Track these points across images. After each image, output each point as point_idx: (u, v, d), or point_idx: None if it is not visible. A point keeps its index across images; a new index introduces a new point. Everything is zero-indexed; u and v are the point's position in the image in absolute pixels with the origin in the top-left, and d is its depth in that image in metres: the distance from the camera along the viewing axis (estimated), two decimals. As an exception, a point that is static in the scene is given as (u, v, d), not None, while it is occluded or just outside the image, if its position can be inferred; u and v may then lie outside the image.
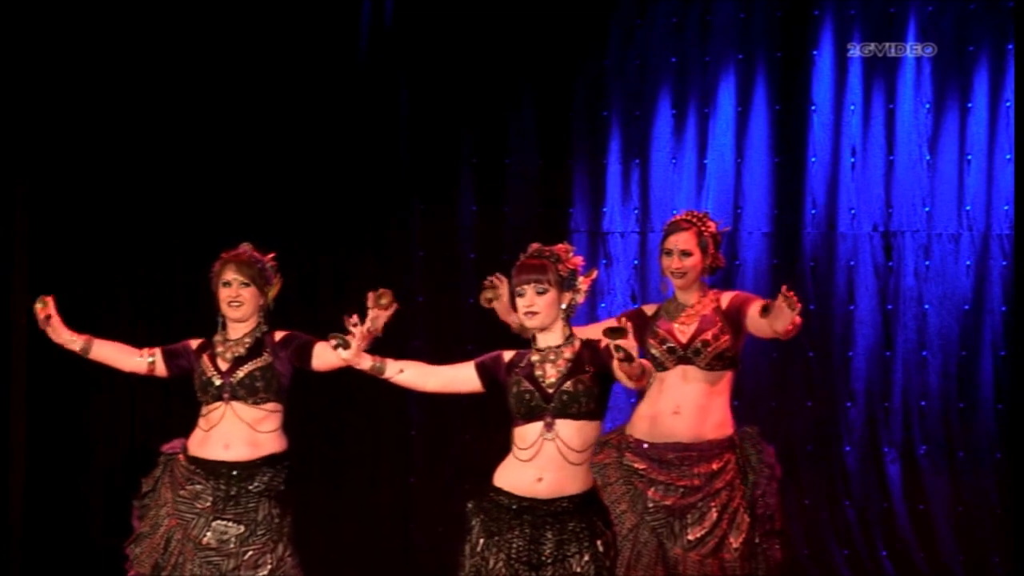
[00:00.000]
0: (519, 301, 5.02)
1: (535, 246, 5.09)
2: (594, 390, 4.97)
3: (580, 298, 5.05)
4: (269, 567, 5.85)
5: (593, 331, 6.09)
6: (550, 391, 4.97)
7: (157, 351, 6.05)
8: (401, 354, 5.44)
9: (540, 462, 4.99)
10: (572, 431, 4.97)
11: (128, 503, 7.58)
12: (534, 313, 5.00)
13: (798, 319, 5.75)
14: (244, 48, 8.51)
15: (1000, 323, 8.08)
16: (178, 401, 6.27)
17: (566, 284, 5.02)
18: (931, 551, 8.12)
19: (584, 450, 4.99)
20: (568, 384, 4.96)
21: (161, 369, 6.05)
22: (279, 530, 5.89)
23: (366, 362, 5.21)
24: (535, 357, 5.04)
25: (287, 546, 5.91)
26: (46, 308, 5.87)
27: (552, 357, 5.02)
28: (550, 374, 5.00)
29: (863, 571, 8.16)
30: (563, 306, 5.02)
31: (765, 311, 5.88)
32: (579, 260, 5.07)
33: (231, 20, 8.50)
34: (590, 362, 4.98)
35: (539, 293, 5.00)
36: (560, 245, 5.09)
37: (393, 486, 8.61)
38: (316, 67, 8.53)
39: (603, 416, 5.05)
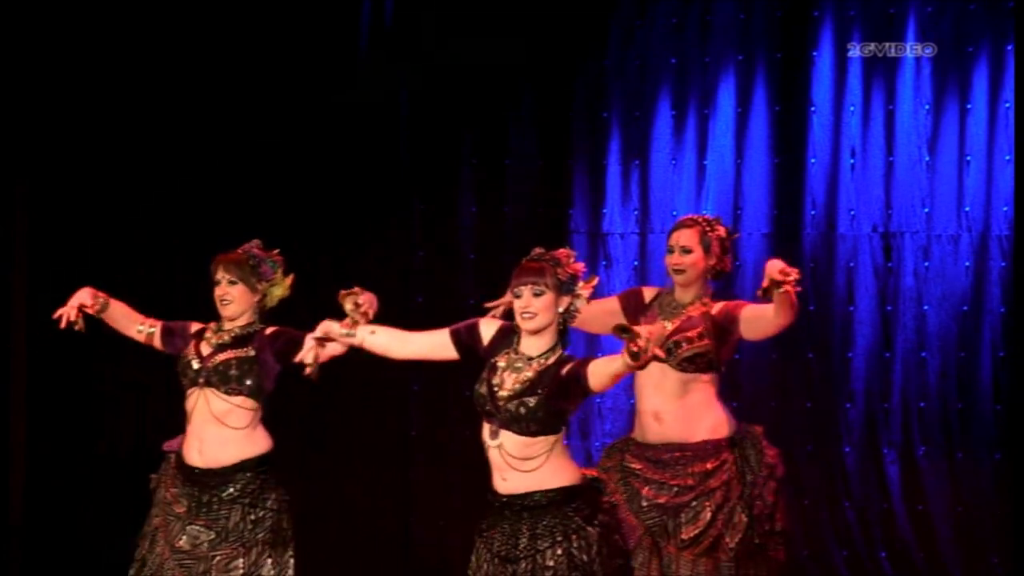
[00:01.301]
0: (516, 303, 4.99)
1: (537, 251, 5.09)
2: (538, 413, 4.92)
3: (580, 304, 5.02)
4: (241, 571, 5.84)
5: (603, 304, 6.13)
6: (500, 403, 4.97)
7: (158, 325, 6.11)
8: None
9: (494, 463, 5.00)
10: (516, 444, 4.95)
11: (129, 503, 7.58)
12: (531, 315, 4.97)
13: (794, 290, 5.64)
14: (244, 48, 8.51)
15: (999, 324, 8.08)
16: (181, 400, 6.26)
17: (564, 288, 4.99)
18: (931, 551, 8.12)
19: (529, 459, 4.95)
20: (513, 404, 4.94)
21: (158, 342, 6.12)
22: (252, 535, 5.88)
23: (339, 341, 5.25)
24: (502, 363, 5.03)
25: (264, 551, 5.88)
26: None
27: (519, 365, 5.00)
28: (506, 386, 4.98)
29: (863, 571, 8.16)
30: (560, 310, 5.00)
31: (764, 293, 5.75)
32: (580, 266, 5.04)
33: (231, 20, 8.50)
34: (548, 383, 4.94)
35: (536, 295, 4.97)
36: (562, 250, 5.08)
37: (393, 484, 8.61)
38: (316, 67, 8.54)
39: (557, 431, 4.97)
